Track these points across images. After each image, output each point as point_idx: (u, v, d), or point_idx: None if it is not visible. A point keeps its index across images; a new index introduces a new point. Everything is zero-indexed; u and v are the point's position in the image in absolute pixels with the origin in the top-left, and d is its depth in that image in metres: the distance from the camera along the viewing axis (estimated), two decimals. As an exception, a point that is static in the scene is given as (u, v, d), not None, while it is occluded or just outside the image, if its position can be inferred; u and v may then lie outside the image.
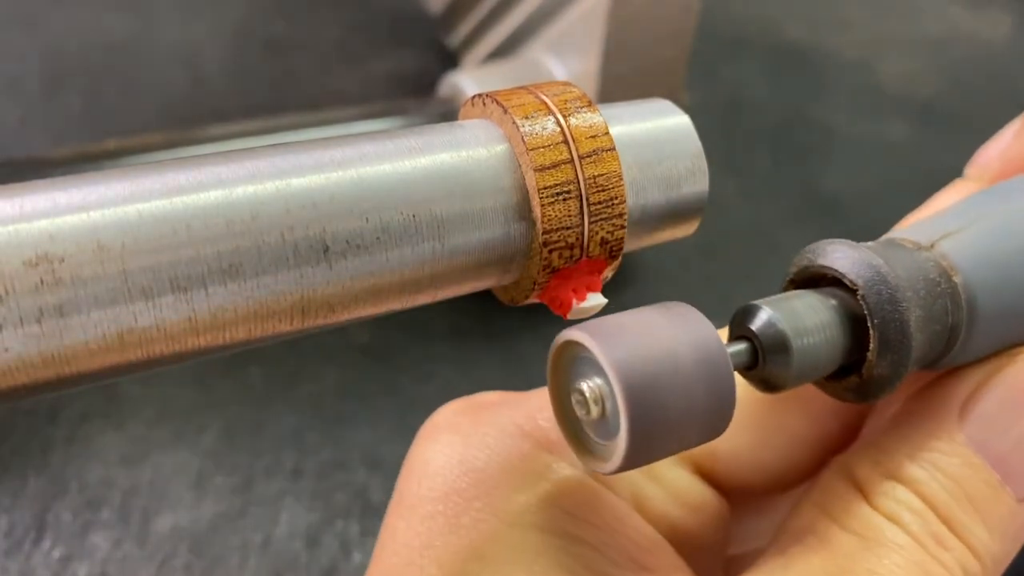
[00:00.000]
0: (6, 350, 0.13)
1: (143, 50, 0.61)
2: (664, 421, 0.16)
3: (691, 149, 0.19)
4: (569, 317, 0.17)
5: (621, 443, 0.15)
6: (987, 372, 0.20)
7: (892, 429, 0.20)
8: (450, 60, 0.59)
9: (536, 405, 0.22)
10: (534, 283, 0.17)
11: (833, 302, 0.19)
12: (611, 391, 0.15)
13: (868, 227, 0.51)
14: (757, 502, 0.25)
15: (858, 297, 0.18)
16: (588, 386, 0.16)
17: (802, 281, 0.20)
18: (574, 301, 0.17)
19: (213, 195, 0.14)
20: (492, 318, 0.44)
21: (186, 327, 0.14)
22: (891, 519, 0.19)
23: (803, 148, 0.60)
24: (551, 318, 0.19)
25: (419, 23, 0.63)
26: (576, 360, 0.17)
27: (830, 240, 0.20)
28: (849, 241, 0.19)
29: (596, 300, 0.17)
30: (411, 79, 0.60)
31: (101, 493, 0.36)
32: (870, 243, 0.20)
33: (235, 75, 0.60)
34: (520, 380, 0.42)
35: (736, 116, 0.62)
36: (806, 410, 0.22)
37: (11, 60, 0.59)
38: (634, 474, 0.21)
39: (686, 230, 0.20)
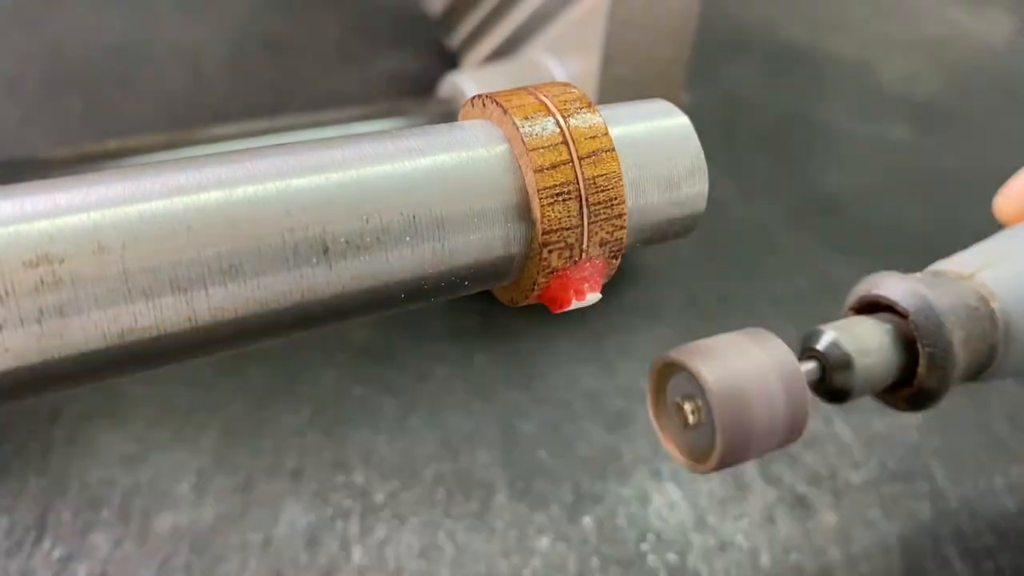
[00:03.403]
0: (6, 350, 0.13)
1: (143, 50, 0.61)
2: (750, 432, 0.18)
3: (691, 149, 0.19)
4: (565, 310, 0.18)
5: (716, 450, 0.18)
6: None
7: None
8: (450, 60, 0.58)
9: None
10: (534, 284, 0.17)
11: (888, 326, 0.22)
12: (706, 405, 0.18)
13: (867, 227, 0.51)
14: None
15: (909, 322, 0.22)
16: (687, 400, 0.19)
17: (860, 307, 0.24)
18: (573, 301, 0.17)
19: (213, 196, 0.14)
20: (492, 318, 0.44)
21: (186, 327, 0.14)
22: None
23: (803, 148, 0.60)
24: (552, 318, 0.19)
25: (419, 23, 0.63)
26: (674, 376, 0.20)
27: (884, 272, 0.23)
28: (899, 273, 0.23)
29: (593, 298, 0.18)
30: (411, 79, 0.60)
31: (101, 493, 0.36)
32: (917, 274, 0.24)
33: (235, 75, 0.60)
34: (520, 379, 0.42)
35: (736, 116, 0.62)
36: None
37: (11, 60, 0.59)
38: None
39: (686, 230, 0.20)
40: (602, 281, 0.18)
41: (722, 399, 0.18)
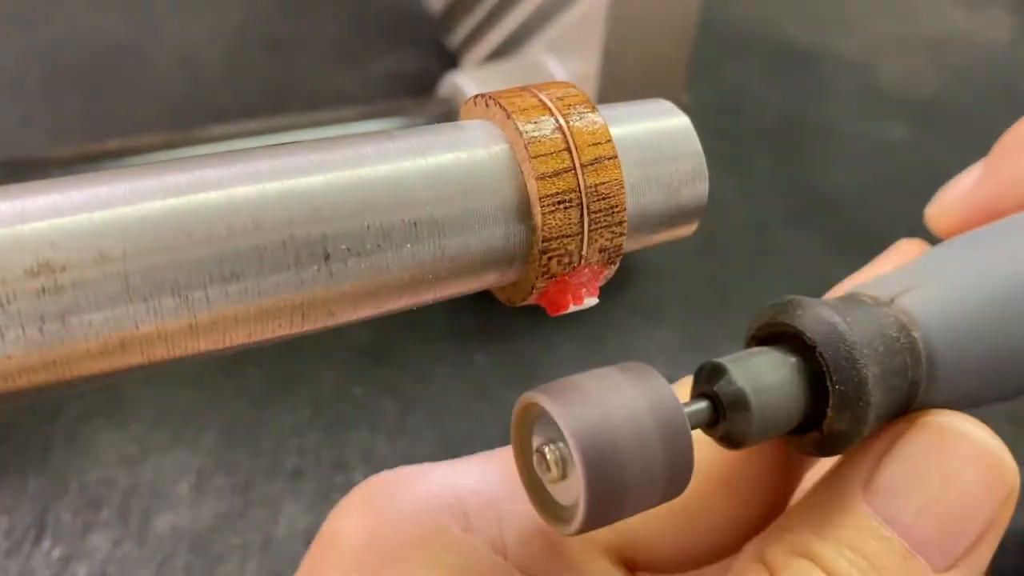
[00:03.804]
0: (8, 357, 0.13)
1: (143, 50, 0.61)
2: (623, 484, 0.16)
3: (691, 150, 0.19)
4: (562, 314, 0.18)
5: (580, 506, 0.16)
6: (888, 441, 0.20)
7: (801, 508, 0.20)
8: (450, 60, 0.58)
9: (456, 475, 0.22)
10: (532, 288, 0.17)
11: (793, 359, 0.19)
12: (570, 454, 0.16)
13: (868, 227, 0.51)
14: None
15: (817, 354, 0.19)
16: (549, 448, 0.16)
17: (764, 337, 0.20)
18: (571, 305, 0.17)
19: (215, 200, 0.14)
20: (492, 318, 0.44)
21: (187, 331, 0.14)
22: None
23: (803, 148, 0.60)
24: (552, 318, 0.19)
25: (419, 23, 0.63)
26: (538, 420, 0.17)
27: (791, 296, 0.20)
28: (809, 298, 0.20)
29: (591, 302, 0.17)
30: (411, 79, 0.60)
31: (101, 493, 0.36)
32: (831, 299, 0.21)
33: (235, 75, 0.60)
34: (519, 379, 0.42)
35: (736, 116, 0.62)
36: (731, 492, 0.22)
37: (11, 60, 0.59)
38: (554, 563, 0.21)
39: (686, 231, 0.20)
40: (599, 285, 0.18)
41: (586, 447, 0.15)
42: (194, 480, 0.36)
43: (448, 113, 0.47)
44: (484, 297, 0.20)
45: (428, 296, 0.17)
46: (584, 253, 0.17)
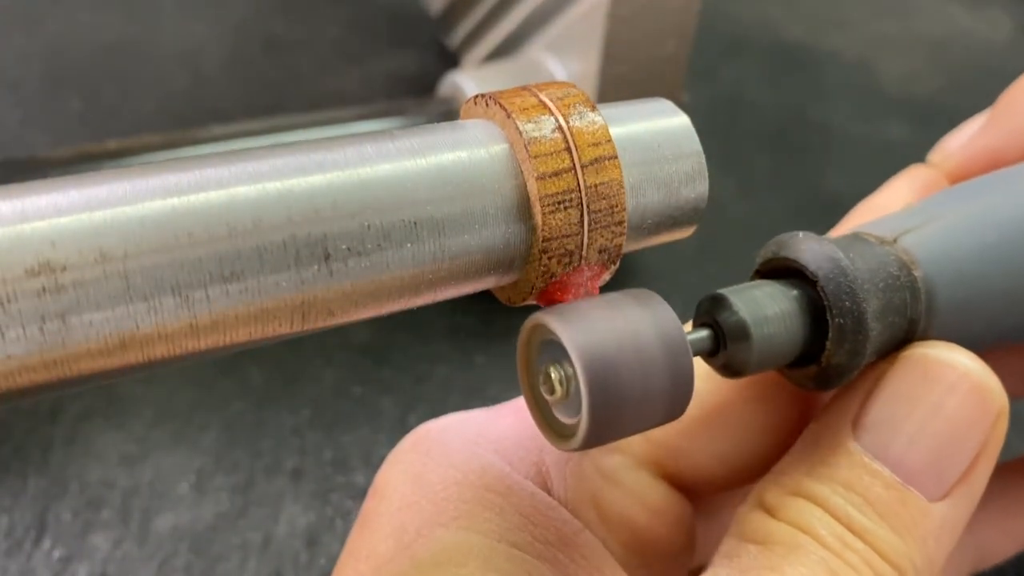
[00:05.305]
0: (8, 356, 0.13)
1: (143, 50, 0.61)
2: (623, 402, 0.16)
3: (691, 150, 0.19)
4: None
5: (582, 423, 0.16)
6: (875, 378, 0.20)
7: (796, 450, 0.21)
8: (450, 60, 0.58)
9: (496, 416, 0.22)
10: (532, 287, 0.17)
11: (795, 292, 0.19)
12: (574, 373, 0.16)
13: (868, 227, 0.51)
14: (721, 500, 0.25)
15: (818, 288, 0.19)
16: (554, 368, 0.17)
17: (768, 272, 0.21)
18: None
19: (216, 199, 0.14)
20: (492, 318, 0.44)
21: (187, 331, 0.14)
22: (794, 525, 0.19)
23: (803, 148, 0.60)
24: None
25: (419, 23, 0.63)
26: (544, 343, 0.17)
27: (795, 232, 0.20)
28: (813, 234, 0.20)
29: None
30: (411, 79, 0.60)
31: (101, 493, 0.36)
32: (835, 236, 0.21)
33: (235, 75, 0.60)
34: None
35: (736, 116, 0.62)
36: (764, 400, 0.22)
37: (11, 60, 0.59)
38: (594, 478, 0.21)
39: (685, 231, 0.20)
40: (599, 285, 0.18)
41: (589, 365, 0.16)
42: (194, 480, 0.36)
43: (448, 113, 0.47)
44: (484, 297, 0.20)
45: (428, 296, 0.17)
46: (584, 253, 0.17)
